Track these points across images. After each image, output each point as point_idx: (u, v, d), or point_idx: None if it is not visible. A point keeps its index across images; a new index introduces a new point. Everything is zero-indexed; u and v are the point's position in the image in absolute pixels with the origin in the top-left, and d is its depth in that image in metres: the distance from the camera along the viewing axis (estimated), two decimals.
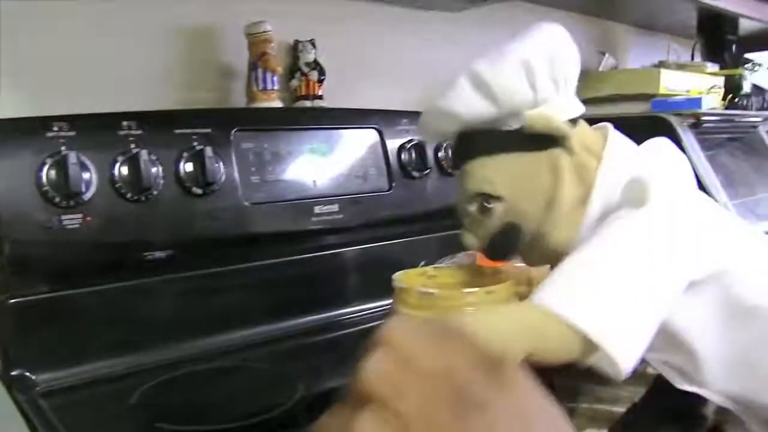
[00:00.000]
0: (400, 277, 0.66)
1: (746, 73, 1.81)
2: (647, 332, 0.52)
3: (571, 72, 0.63)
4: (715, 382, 0.60)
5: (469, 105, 0.61)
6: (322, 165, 1.00)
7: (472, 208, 0.65)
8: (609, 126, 0.67)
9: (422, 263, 0.85)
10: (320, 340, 0.96)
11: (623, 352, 0.50)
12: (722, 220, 0.64)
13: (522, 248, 0.66)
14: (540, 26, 0.63)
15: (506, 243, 0.65)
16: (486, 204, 0.64)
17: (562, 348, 0.50)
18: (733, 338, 0.58)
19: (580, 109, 0.65)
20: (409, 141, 1.11)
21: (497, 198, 0.63)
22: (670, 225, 0.55)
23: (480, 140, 0.64)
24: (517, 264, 0.71)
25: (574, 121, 0.64)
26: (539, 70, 0.60)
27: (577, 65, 0.64)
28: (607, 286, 0.52)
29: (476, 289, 0.60)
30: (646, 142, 0.65)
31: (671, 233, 0.55)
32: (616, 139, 0.65)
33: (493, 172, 0.63)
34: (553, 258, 0.60)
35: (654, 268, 0.53)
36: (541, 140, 0.62)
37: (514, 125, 0.62)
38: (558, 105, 0.62)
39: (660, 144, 0.65)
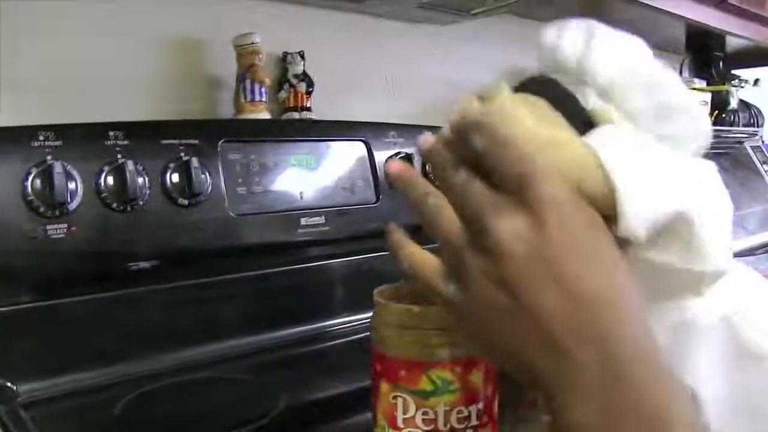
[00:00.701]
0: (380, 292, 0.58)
1: (733, 89, 1.83)
2: (665, 208, 0.45)
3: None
4: (710, 424, 0.55)
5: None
6: (309, 177, 1.00)
7: None
8: None
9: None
10: (305, 351, 0.96)
11: (636, 209, 0.43)
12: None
13: None
14: None
15: None
16: None
17: (595, 191, 0.44)
18: (737, 381, 0.55)
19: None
20: (397, 153, 1.11)
21: None
22: None
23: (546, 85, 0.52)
24: None
25: None
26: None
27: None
28: (652, 157, 0.46)
29: None
30: None
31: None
32: None
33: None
34: None
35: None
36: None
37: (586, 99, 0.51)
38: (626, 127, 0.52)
39: None
